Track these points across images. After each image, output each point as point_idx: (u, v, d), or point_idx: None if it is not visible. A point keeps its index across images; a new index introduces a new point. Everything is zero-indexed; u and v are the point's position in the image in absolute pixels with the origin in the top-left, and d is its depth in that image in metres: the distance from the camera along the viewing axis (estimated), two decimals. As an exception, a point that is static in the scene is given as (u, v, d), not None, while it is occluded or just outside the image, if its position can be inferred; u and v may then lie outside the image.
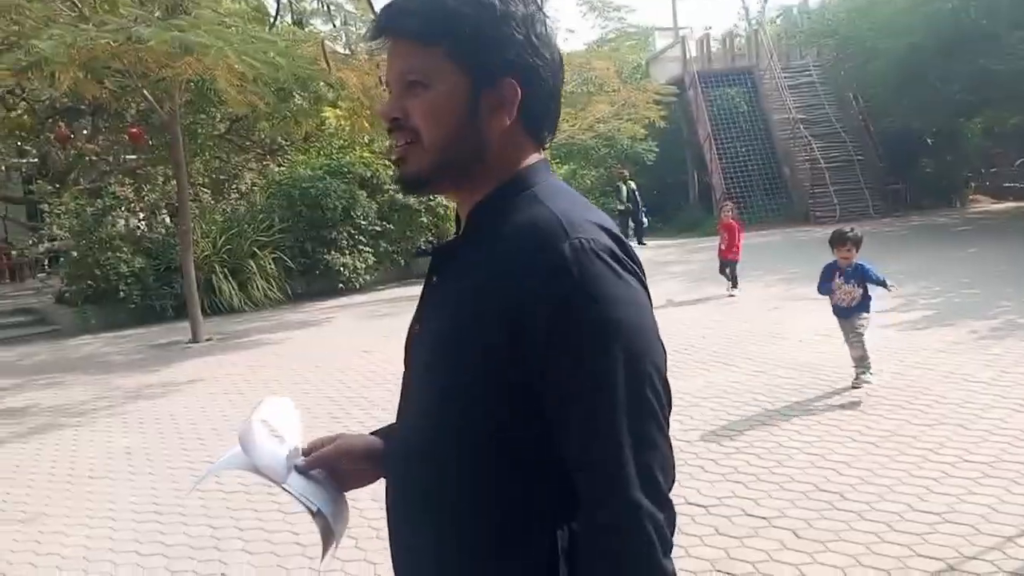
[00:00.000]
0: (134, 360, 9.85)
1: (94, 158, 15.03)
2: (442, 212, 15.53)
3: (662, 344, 1.15)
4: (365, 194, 14.73)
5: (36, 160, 16.05)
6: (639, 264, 1.17)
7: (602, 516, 1.06)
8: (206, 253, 12.81)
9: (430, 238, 15.97)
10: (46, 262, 16.09)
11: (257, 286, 13.24)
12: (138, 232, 12.91)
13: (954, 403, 5.47)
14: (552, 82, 1.21)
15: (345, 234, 14.37)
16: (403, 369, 1.33)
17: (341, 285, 14.41)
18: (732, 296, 10.74)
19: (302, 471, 1.36)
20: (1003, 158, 25.32)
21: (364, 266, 14.63)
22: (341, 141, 15.57)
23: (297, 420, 1.49)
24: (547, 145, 1.29)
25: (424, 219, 15.36)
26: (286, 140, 16.10)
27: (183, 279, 11.38)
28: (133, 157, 15.56)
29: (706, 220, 22.31)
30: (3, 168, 16.09)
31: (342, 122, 12.85)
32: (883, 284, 6.00)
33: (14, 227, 15.50)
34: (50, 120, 14.37)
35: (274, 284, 13.54)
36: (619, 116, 20.98)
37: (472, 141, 1.18)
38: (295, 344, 10.06)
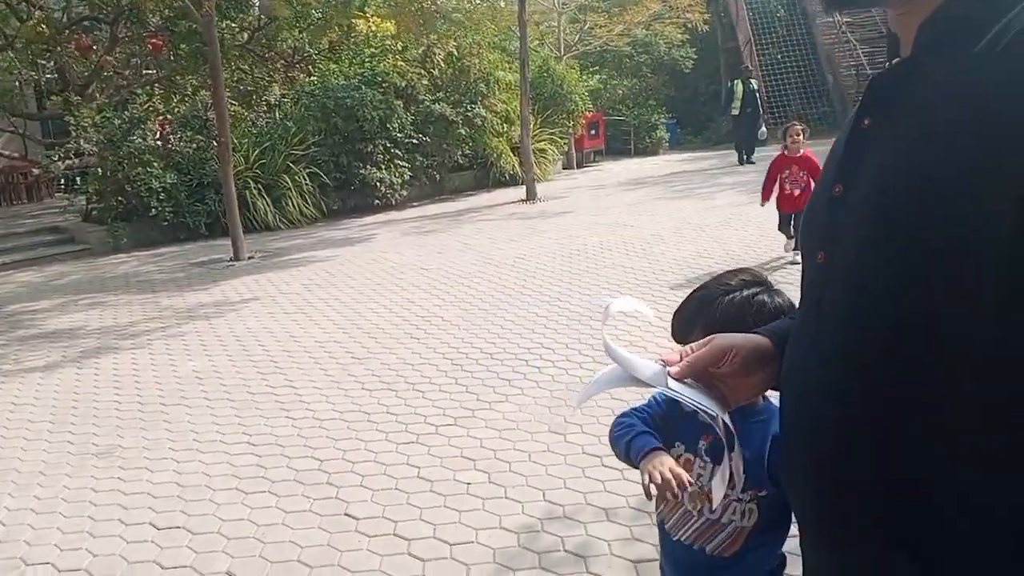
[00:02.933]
0: (178, 279, 9.36)
1: (114, 71, 14.20)
2: (479, 124, 14.78)
3: None
4: (402, 104, 13.95)
5: (53, 75, 15.21)
6: None
7: None
8: (239, 168, 12.15)
9: (467, 151, 15.25)
10: (67, 180, 15.46)
11: (292, 202, 12.64)
12: (169, 145, 12.22)
13: None
14: None
15: (381, 147, 13.67)
16: (803, 252, 1.06)
17: (377, 201, 13.80)
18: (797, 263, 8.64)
19: (676, 379, 1.10)
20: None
21: (400, 181, 13.99)
22: (372, 49, 14.69)
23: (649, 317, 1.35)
24: None
25: (462, 131, 14.61)
26: (312, 48, 15.22)
27: (220, 194, 10.80)
28: (151, 72, 14.75)
29: (742, 131, 21.46)
30: (18, 83, 15.27)
31: (381, 24, 12.01)
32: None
33: (32, 144, 14.78)
34: (67, 31, 13.51)
35: (309, 200, 12.93)
36: (661, 19, 19.90)
37: None
38: (344, 261, 9.55)
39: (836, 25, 21.48)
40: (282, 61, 15.38)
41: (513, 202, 13.57)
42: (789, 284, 5.40)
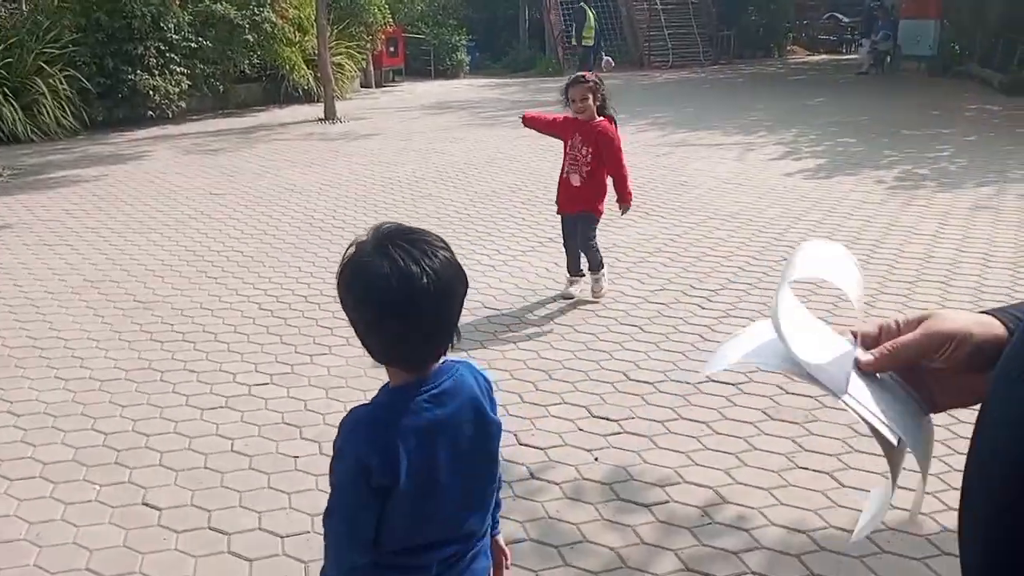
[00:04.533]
0: None
1: None
2: (269, 30, 13.42)
3: None
4: (177, 2, 12.29)
5: None
6: None
7: None
8: (-26, 66, 10.21)
9: (255, 60, 13.86)
10: None
11: (47, 110, 10.83)
12: None
13: (917, 257, 5.29)
14: None
15: (153, 50, 12.02)
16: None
17: (150, 113, 12.21)
18: (570, 297, 4.86)
19: (865, 372, 0.79)
20: (815, 11, 26.27)
21: (177, 91, 12.44)
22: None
23: (856, 280, 0.87)
24: None
25: (249, 37, 13.19)
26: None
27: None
28: None
29: (539, 59, 21.40)
30: None
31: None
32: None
33: None
34: None
35: (67, 109, 11.15)
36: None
37: None
38: (115, 182, 8.30)
39: (631, -44, 21.81)
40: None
41: (310, 120, 12.56)
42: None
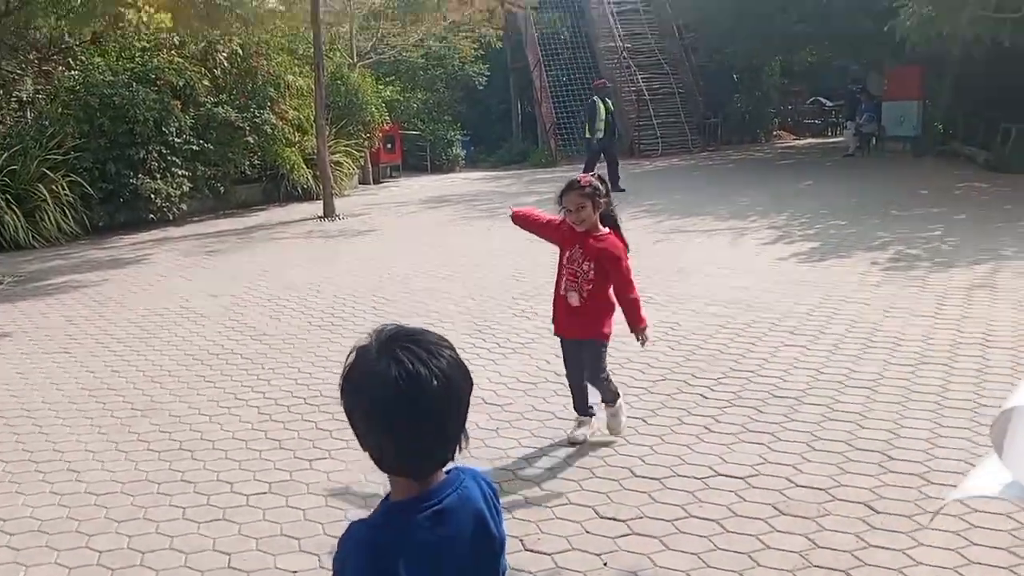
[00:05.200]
0: None
1: None
2: (269, 131, 13.77)
3: None
4: (179, 105, 12.64)
5: None
6: None
7: None
8: (-21, 175, 10.42)
9: (255, 161, 14.17)
10: None
11: (49, 216, 11.00)
12: None
13: (918, 340, 5.27)
14: None
15: (156, 154, 12.29)
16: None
17: (151, 216, 12.39)
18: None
19: None
20: (799, 96, 27.04)
21: (178, 193, 12.65)
22: (144, 42, 13.21)
23: None
24: None
25: (250, 139, 13.51)
26: (72, 39, 13.46)
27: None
28: None
29: (532, 151, 21.91)
30: None
31: (155, 15, 10.76)
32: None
33: None
34: None
35: (69, 215, 11.32)
36: (455, 30, 19.73)
37: None
38: (116, 287, 8.35)
39: (618, 50, 22.57)
40: (36, 52, 13.49)
41: (310, 219, 12.73)
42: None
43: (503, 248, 9.32)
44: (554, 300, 4.05)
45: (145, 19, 12.78)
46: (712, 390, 4.69)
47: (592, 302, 3.89)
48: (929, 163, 15.87)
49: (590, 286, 3.87)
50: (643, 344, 4.01)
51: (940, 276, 6.98)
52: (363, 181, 17.93)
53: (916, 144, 17.36)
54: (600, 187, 3.87)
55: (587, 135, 13.84)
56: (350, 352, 1.29)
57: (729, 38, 18.65)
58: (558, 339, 4.18)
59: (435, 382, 1.23)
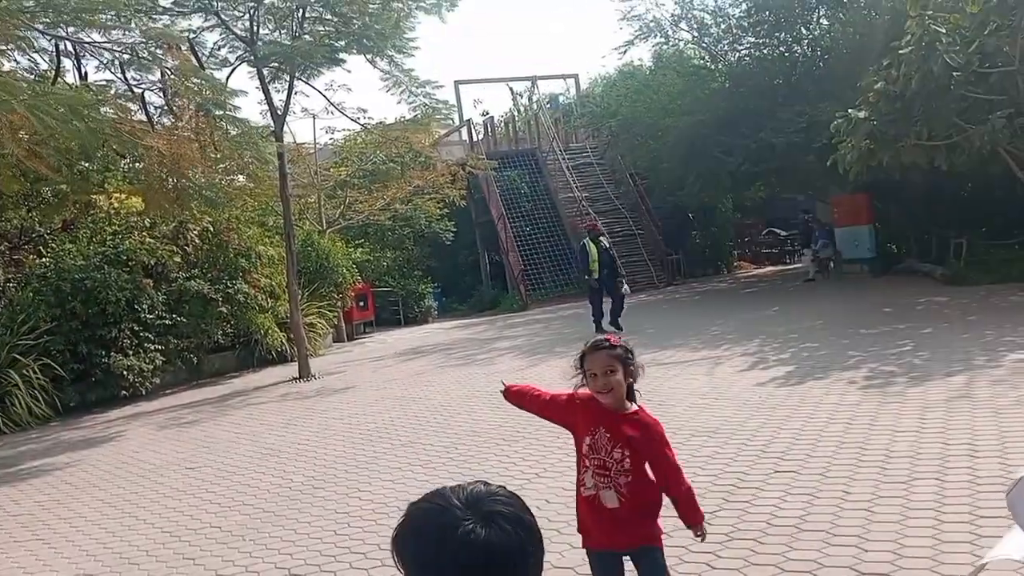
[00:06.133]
0: None
1: None
2: (242, 300, 13.90)
3: None
4: (151, 283, 12.77)
5: None
6: None
7: None
8: (-52, 365, 10.31)
9: (228, 329, 14.20)
10: None
11: (20, 401, 10.82)
12: None
13: (906, 456, 5.26)
14: None
15: (128, 332, 12.30)
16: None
17: (124, 392, 12.24)
18: None
19: None
20: (755, 228, 28.14)
21: (151, 368, 12.58)
22: (115, 226, 13.50)
23: None
24: None
25: (223, 309, 13.61)
26: (43, 228, 13.75)
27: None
28: None
29: (502, 298, 22.31)
30: None
31: (126, 201, 11.09)
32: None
33: None
34: None
35: (40, 398, 11.15)
36: (420, 194, 20.53)
37: None
38: (88, 467, 8.12)
39: (576, 200, 23.54)
40: (6, 242, 13.72)
41: (285, 381, 12.66)
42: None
43: (481, 393, 9.29)
44: (578, 504, 3.02)
45: (117, 205, 13.20)
46: (709, 524, 4.58)
47: (635, 498, 2.89)
48: (888, 282, 16.36)
49: (628, 478, 2.88)
50: (702, 540, 3.16)
51: (917, 390, 7.06)
52: (337, 339, 18.00)
53: (873, 265, 17.95)
54: (632, 349, 2.99)
55: (586, 277, 14.21)
56: (438, 513, 1.17)
57: (679, 182, 19.51)
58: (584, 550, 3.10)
59: (531, 548, 1.16)
